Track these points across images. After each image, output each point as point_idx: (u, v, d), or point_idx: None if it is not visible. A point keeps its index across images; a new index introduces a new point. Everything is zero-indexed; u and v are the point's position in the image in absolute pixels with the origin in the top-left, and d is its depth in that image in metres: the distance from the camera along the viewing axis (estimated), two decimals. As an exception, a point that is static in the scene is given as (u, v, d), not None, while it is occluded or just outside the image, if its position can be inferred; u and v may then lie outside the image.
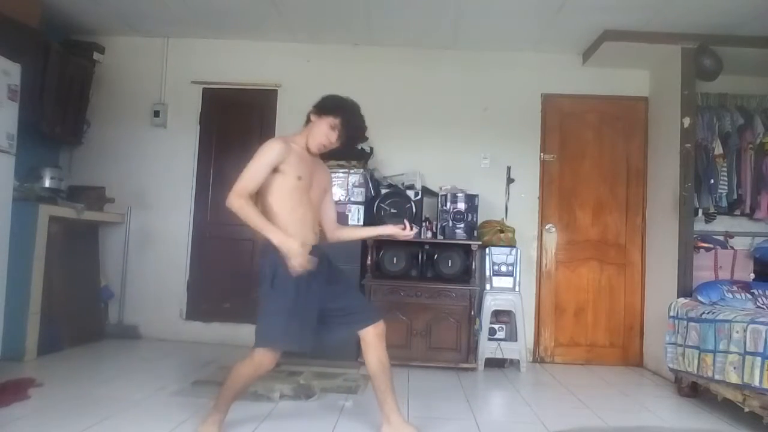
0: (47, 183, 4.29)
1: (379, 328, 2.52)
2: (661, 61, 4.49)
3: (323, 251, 2.53)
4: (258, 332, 2.42)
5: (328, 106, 2.53)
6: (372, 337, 2.50)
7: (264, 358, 2.41)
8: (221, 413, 2.53)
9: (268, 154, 2.42)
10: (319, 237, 2.57)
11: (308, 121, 2.56)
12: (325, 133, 2.48)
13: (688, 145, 4.14)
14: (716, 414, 3.27)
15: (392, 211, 4.35)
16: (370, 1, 4.10)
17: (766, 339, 2.80)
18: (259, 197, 2.46)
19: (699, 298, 3.72)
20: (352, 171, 4.34)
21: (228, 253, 4.91)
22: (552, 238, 4.82)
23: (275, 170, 2.41)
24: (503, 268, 4.40)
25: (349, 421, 2.89)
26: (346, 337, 2.59)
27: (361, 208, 4.29)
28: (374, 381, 2.54)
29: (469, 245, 4.35)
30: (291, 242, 2.29)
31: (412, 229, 2.57)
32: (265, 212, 2.44)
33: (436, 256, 4.40)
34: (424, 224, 4.47)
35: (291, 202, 2.43)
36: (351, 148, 2.55)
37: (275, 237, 2.30)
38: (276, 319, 2.37)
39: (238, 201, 2.33)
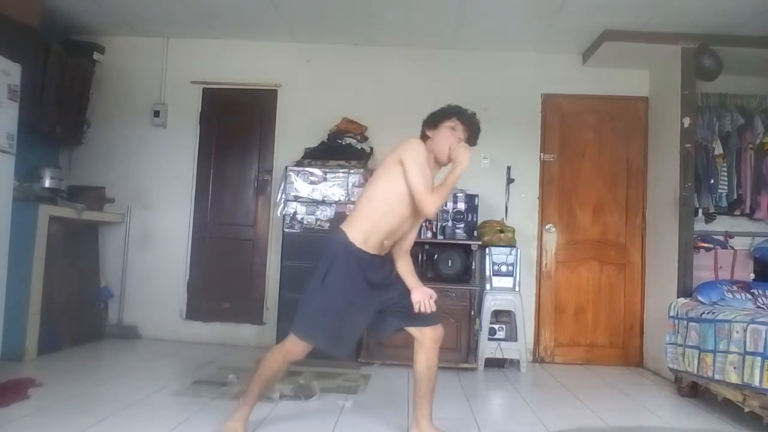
0: (47, 183, 4.29)
1: (438, 332, 2.50)
2: (661, 61, 4.49)
3: (388, 260, 2.52)
4: (299, 319, 2.40)
5: (438, 115, 2.56)
6: (428, 340, 2.47)
7: (295, 346, 2.41)
8: (248, 407, 2.50)
9: (420, 152, 2.40)
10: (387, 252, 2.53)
11: (425, 140, 2.55)
12: (447, 135, 2.49)
13: (688, 145, 4.13)
14: (716, 414, 3.27)
15: (392, 211, 4.34)
16: (370, 1, 4.10)
17: (766, 339, 2.80)
18: (371, 186, 2.47)
19: (699, 298, 3.72)
20: (352, 171, 4.33)
21: (228, 253, 4.92)
22: (552, 238, 4.82)
23: (403, 167, 2.37)
24: (503, 268, 4.40)
25: (349, 421, 2.89)
26: (398, 331, 2.53)
27: (361, 208, 4.27)
28: (417, 383, 2.52)
29: (469, 245, 4.35)
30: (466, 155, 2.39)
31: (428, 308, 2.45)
32: (365, 200, 2.44)
33: (436, 256, 4.40)
34: (424, 224, 4.47)
35: (392, 202, 2.40)
36: (476, 140, 2.57)
37: (457, 171, 2.38)
38: (320, 316, 2.35)
39: (432, 198, 2.34)
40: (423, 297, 2.42)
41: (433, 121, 2.55)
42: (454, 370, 4.15)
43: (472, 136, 2.55)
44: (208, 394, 3.20)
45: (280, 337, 4.20)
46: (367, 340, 4.24)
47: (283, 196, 4.38)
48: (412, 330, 2.49)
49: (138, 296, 4.84)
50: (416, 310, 2.42)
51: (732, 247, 4.39)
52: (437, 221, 4.45)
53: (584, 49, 4.75)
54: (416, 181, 2.33)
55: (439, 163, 2.53)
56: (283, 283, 4.27)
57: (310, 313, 2.38)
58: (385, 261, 2.50)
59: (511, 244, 4.45)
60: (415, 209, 2.42)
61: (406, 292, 2.49)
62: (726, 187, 4.28)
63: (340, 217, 4.24)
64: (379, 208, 2.40)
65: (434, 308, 2.44)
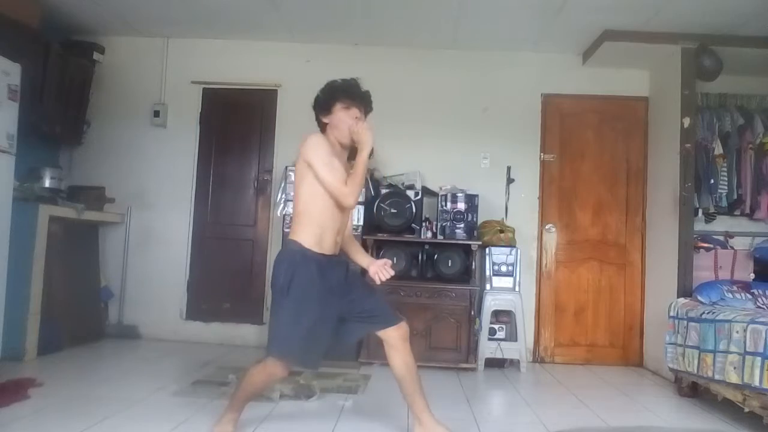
0: (47, 183, 4.29)
1: (402, 329, 2.48)
2: (661, 61, 4.49)
3: (343, 260, 2.52)
4: (271, 341, 2.42)
5: (326, 98, 2.50)
6: (395, 339, 2.45)
7: (276, 368, 2.40)
8: (236, 412, 2.52)
9: (320, 146, 2.38)
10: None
11: (323, 126, 2.53)
12: (343, 118, 2.44)
13: (688, 145, 4.13)
14: (716, 414, 3.27)
15: (392, 211, 4.35)
16: (370, 1, 4.10)
17: (766, 339, 2.80)
18: (299, 194, 2.43)
19: (699, 298, 3.72)
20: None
21: (228, 253, 4.92)
22: (552, 238, 4.82)
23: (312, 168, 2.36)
24: (503, 268, 4.40)
25: (349, 421, 2.89)
26: (363, 338, 2.58)
27: (361, 208, 4.28)
28: (401, 384, 2.51)
29: (469, 245, 4.35)
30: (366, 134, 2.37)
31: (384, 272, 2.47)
32: (300, 206, 2.41)
33: (436, 256, 4.40)
34: (424, 224, 4.47)
35: (323, 202, 2.38)
36: (371, 107, 2.53)
37: (363, 154, 2.37)
38: (289, 331, 2.33)
39: (348, 190, 2.34)
40: (377, 267, 2.45)
41: (324, 105, 2.49)
42: (454, 370, 4.15)
43: (366, 108, 2.51)
44: (207, 394, 3.20)
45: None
46: (367, 340, 4.24)
47: (283, 196, 4.38)
48: (378, 333, 2.48)
49: (138, 296, 4.84)
50: (377, 281, 2.45)
51: (732, 247, 4.39)
52: (437, 221, 4.45)
53: (584, 49, 4.75)
54: (326, 180, 2.33)
55: (344, 147, 2.50)
56: (283, 283, 4.26)
57: (280, 330, 2.37)
58: (340, 261, 2.50)
59: (511, 244, 4.45)
60: None
61: (365, 293, 2.52)
62: (726, 187, 4.28)
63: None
64: (315, 212, 2.38)
65: (391, 273, 2.45)
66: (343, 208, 2.43)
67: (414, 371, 2.50)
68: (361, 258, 2.58)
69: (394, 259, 4.34)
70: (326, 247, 2.40)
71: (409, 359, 2.49)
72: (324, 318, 2.37)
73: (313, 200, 2.38)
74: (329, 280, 2.38)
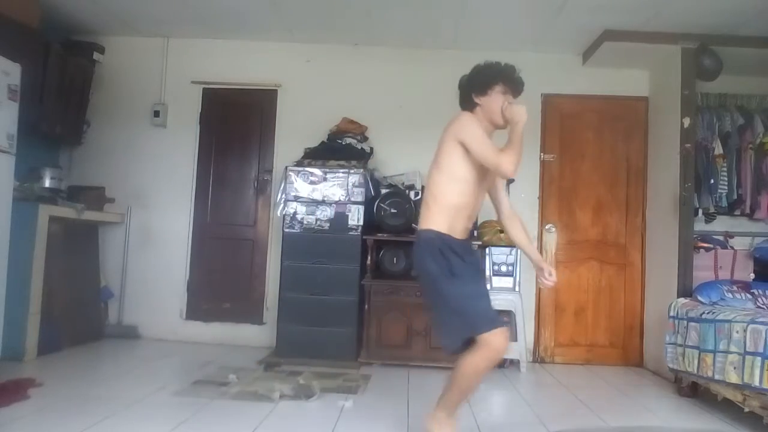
0: (47, 183, 4.29)
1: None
2: (661, 61, 4.49)
3: (475, 248, 2.51)
4: (473, 320, 2.22)
5: (483, 80, 2.45)
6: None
7: (500, 340, 2.20)
8: (453, 417, 2.41)
9: (475, 124, 2.31)
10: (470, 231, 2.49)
11: (472, 105, 2.45)
12: (498, 100, 2.40)
13: (688, 145, 4.13)
14: (716, 414, 3.27)
15: (392, 211, 4.35)
16: (370, 1, 4.10)
17: (766, 339, 2.80)
18: (433, 171, 2.37)
19: (699, 298, 3.72)
20: (352, 171, 4.33)
21: (228, 253, 4.92)
22: (552, 238, 4.82)
23: (464, 147, 2.28)
24: (503, 268, 4.40)
25: (349, 421, 2.89)
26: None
27: (361, 208, 4.28)
28: (453, 374, 2.37)
29: (469, 245, 4.34)
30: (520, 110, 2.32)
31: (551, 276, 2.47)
32: (435, 188, 2.35)
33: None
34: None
35: (459, 187, 2.32)
36: (521, 92, 2.55)
37: (517, 128, 2.31)
38: (480, 301, 2.28)
39: (505, 159, 2.21)
40: (549, 273, 2.46)
41: (482, 86, 2.43)
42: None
43: (517, 92, 2.51)
44: (208, 394, 3.20)
45: (280, 336, 4.24)
46: (367, 340, 4.24)
47: (283, 196, 4.38)
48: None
49: (138, 296, 4.84)
50: (547, 284, 2.45)
51: (732, 247, 4.39)
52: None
53: (584, 49, 4.75)
54: (485, 153, 2.23)
55: (493, 126, 2.43)
56: (283, 283, 4.27)
57: (472, 305, 2.24)
58: (472, 248, 2.50)
59: (511, 244, 4.44)
60: (481, 184, 2.39)
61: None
62: (726, 187, 4.28)
63: (340, 218, 4.25)
64: (455, 197, 2.32)
65: (555, 280, 2.49)
66: (483, 185, 2.39)
67: (473, 374, 2.28)
68: (533, 252, 2.57)
69: (395, 259, 4.36)
70: (457, 233, 2.35)
71: (480, 362, 2.30)
72: (482, 285, 2.42)
73: (454, 186, 2.32)
74: (468, 259, 2.36)
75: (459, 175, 2.31)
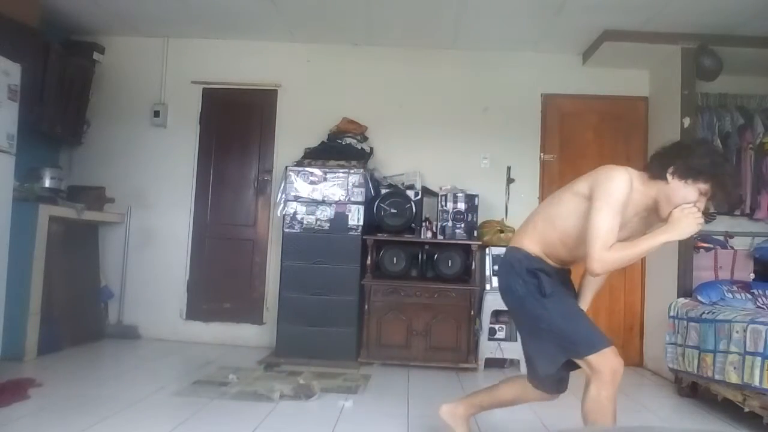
0: (47, 183, 4.29)
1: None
2: (661, 61, 4.48)
3: (569, 279, 2.28)
4: (578, 342, 1.97)
5: (698, 169, 1.92)
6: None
7: (611, 361, 1.93)
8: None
9: (621, 193, 1.91)
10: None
11: (658, 174, 1.99)
12: (690, 195, 1.93)
13: (688, 145, 4.13)
14: (716, 414, 3.27)
15: (392, 211, 4.35)
16: (370, 1, 4.10)
17: (766, 339, 2.80)
18: (554, 206, 2.13)
19: (699, 298, 3.72)
20: (352, 171, 4.33)
21: (228, 253, 4.92)
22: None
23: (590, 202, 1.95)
24: (503, 268, 4.39)
25: (349, 421, 2.89)
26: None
27: (361, 208, 4.28)
28: (497, 384, 2.39)
29: (469, 245, 4.35)
30: (684, 226, 1.90)
31: None
32: (539, 223, 2.13)
33: (436, 256, 4.40)
34: (424, 224, 4.47)
35: (566, 238, 2.05)
36: (723, 201, 2.16)
37: (667, 236, 1.90)
38: (577, 321, 2.02)
39: (608, 257, 1.87)
40: None
41: (686, 171, 1.93)
42: (454, 370, 4.15)
43: (715, 201, 2.18)
44: (208, 394, 3.20)
45: (280, 336, 4.25)
46: (367, 340, 4.24)
47: (283, 196, 4.38)
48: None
49: (138, 296, 4.84)
50: None
51: (732, 247, 4.39)
52: (437, 221, 4.45)
53: (584, 49, 4.75)
54: (596, 227, 1.87)
55: (654, 211, 2.02)
56: (283, 283, 4.27)
57: (572, 326, 2.00)
58: (567, 275, 2.23)
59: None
60: None
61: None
62: (726, 187, 4.27)
63: (340, 217, 4.25)
64: (557, 236, 2.08)
65: None
66: (589, 272, 2.05)
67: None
68: (586, 296, 2.30)
69: (395, 259, 4.36)
70: (551, 260, 2.14)
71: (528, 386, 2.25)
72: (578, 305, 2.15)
73: (563, 226, 2.06)
74: (558, 277, 2.15)
75: (572, 223, 2.03)
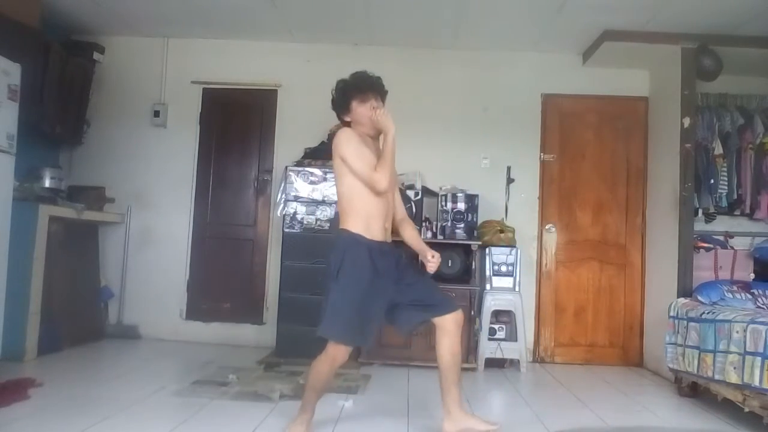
0: (47, 183, 4.29)
1: (459, 316, 2.52)
2: (661, 61, 4.48)
3: (395, 248, 2.57)
4: (324, 323, 2.43)
5: (341, 100, 2.55)
6: (449, 324, 2.48)
7: (337, 351, 2.44)
8: (308, 413, 2.56)
9: (349, 140, 2.44)
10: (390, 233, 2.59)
11: (346, 124, 2.57)
12: (362, 112, 2.50)
13: (688, 145, 4.13)
14: (716, 414, 3.27)
15: (392, 211, 4.35)
16: (370, 1, 4.10)
17: (766, 339, 2.80)
18: (338, 188, 2.51)
19: (699, 298, 3.72)
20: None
21: (228, 253, 4.92)
22: (552, 238, 4.82)
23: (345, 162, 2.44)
24: (503, 268, 4.40)
25: (349, 421, 2.89)
26: (420, 324, 2.56)
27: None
28: (442, 371, 2.51)
29: (469, 245, 4.35)
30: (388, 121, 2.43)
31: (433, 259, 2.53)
32: (343, 201, 2.49)
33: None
34: (424, 224, 4.47)
35: (362, 192, 2.45)
36: (383, 91, 2.58)
37: (388, 138, 2.44)
38: (339, 312, 2.39)
39: (377, 176, 2.39)
40: (428, 258, 2.51)
41: (341, 106, 2.55)
42: (454, 370, 4.14)
43: (381, 94, 2.56)
44: (208, 394, 3.20)
45: (280, 336, 4.25)
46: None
47: (283, 196, 4.38)
48: (434, 319, 2.51)
49: (138, 296, 4.84)
50: (428, 270, 2.52)
51: (732, 247, 4.39)
52: (437, 221, 4.45)
53: (584, 49, 4.75)
54: (356, 169, 2.40)
55: (372, 137, 2.55)
56: (283, 283, 4.27)
57: (332, 312, 2.41)
58: (392, 248, 2.54)
59: (511, 244, 4.44)
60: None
61: (419, 280, 2.56)
62: (726, 187, 4.28)
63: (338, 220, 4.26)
64: (357, 204, 2.46)
65: (438, 260, 2.52)
66: (379, 194, 2.47)
67: (458, 362, 2.53)
68: (416, 243, 2.65)
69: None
70: (375, 234, 2.46)
71: (457, 349, 2.51)
72: (372, 298, 2.41)
73: (352, 193, 2.46)
74: (380, 264, 2.43)
75: (353, 184, 2.44)
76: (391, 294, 2.47)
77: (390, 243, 2.55)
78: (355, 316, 2.39)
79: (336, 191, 2.56)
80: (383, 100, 2.56)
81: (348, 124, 2.55)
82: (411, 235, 2.67)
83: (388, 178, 2.41)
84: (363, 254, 2.41)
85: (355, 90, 2.52)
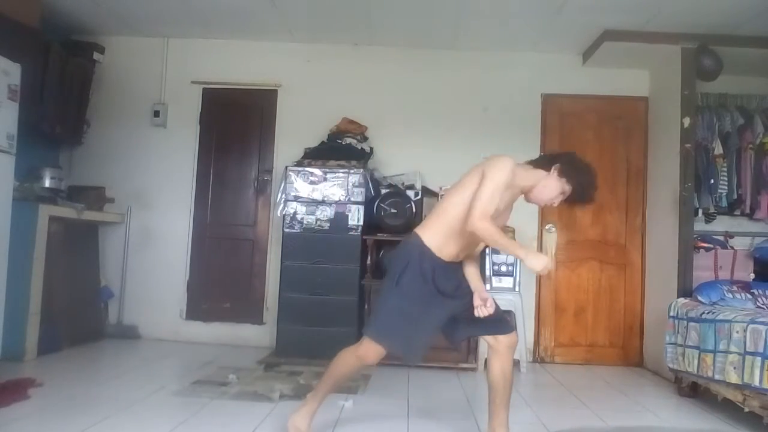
0: (47, 183, 4.29)
1: (512, 338, 2.44)
2: (661, 61, 4.48)
3: (459, 272, 2.48)
4: (372, 322, 2.39)
5: (571, 171, 2.37)
6: (503, 347, 2.42)
7: (369, 350, 2.37)
8: (315, 403, 2.50)
9: (505, 173, 2.27)
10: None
11: (544, 165, 2.41)
12: (554, 195, 2.38)
13: (688, 145, 4.13)
14: (716, 414, 3.27)
15: (392, 211, 4.35)
16: (370, 1, 4.10)
17: (766, 339, 2.80)
18: (452, 195, 2.38)
19: (699, 298, 3.72)
20: (352, 171, 4.33)
21: (228, 253, 4.92)
22: (552, 238, 4.82)
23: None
24: (503, 268, 4.40)
25: (349, 421, 2.89)
26: (472, 336, 2.52)
27: (361, 208, 4.28)
28: (492, 391, 2.45)
29: (469, 245, 4.34)
30: (539, 258, 2.23)
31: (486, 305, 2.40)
32: (442, 211, 2.38)
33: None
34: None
35: (463, 216, 2.30)
36: (579, 203, 2.47)
37: (523, 253, 2.23)
38: (393, 318, 2.33)
39: (482, 224, 2.19)
40: (482, 302, 2.39)
41: (565, 170, 2.36)
42: (454, 370, 4.15)
43: (581, 204, 2.46)
44: (208, 394, 3.20)
45: (280, 336, 4.25)
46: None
47: (283, 196, 4.38)
48: (486, 338, 2.46)
49: (138, 296, 4.84)
50: (477, 313, 2.39)
51: (732, 247, 4.39)
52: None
53: (584, 49, 4.75)
54: (481, 197, 2.22)
55: (524, 195, 2.44)
56: (283, 283, 4.27)
57: (384, 315, 2.36)
58: (456, 270, 2.46)
59: (511, 244, 4.44)
60: (493, 216, 2.33)
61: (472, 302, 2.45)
62: (726, 187, 4.28)
63: (340, 217, 4.26)
64: (453, 221, 2.33)
65: (491, 311, 2.38)
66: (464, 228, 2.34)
67: (509, 383, 2.45)
68: (474, 279, 2.50)
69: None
70: (444, 255, 2.36)
71: (508, 369, 2.43)
72: (429, 315, 2.35)
73: (458, 210, 2.31)
74: (440, 282, 2.35)
75: (468, 204, 2.28)
76: (448, 312, 2.39)
77: (455, 264, 2.45)
78: (411, 326, 2.32)
79: (446, 197, 2.43)
80: (572, 205, 2.47)
81: (537, 169, 2.40)
82: (471, 271, 2.53)
83: (483, 230, 2.21)
84: (428, 269, 2.32)
85: (589, 191, 2.39)
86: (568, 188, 2.36)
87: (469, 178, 2.35)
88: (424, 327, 2.36)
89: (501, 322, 2.45)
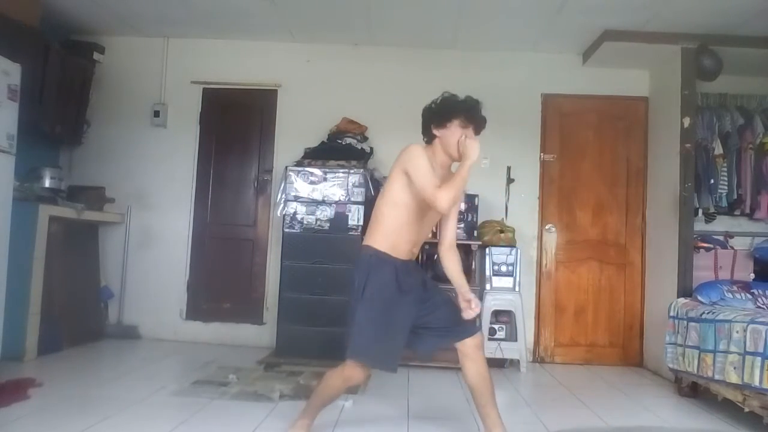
0: (47, 183, 4.28)
1: (477, 339, 2.46)
2: (661, 61, 4.48)
3: (419, 270, 2.52)
4: (352, 346, 2.38)
5: (444, 113, 2.48)
6: (471, 349, 2.43)
7: (354, 371, 2.40)
8: (310, 419, 2.54)
9: (419, 156, 2.34)
10: (416, 255, 2.57)
11: (431, 137, 2.52)
12: (456, 132, 2.44)
13: (688, 145, 4.13)
14: (716, 414, 3.27)
15: (392, 211, 4.34)
16: (370, 1, 4.10)
17: (766, 339, 2.80)
18: (380, 200, 2.45)
19: (699, 298, 3.72)
20: (352, 171, 4.33)
21: (228, 253, 4.92)
22: (552, 238, 4.82)
23: (408, 177, 2.34)
24: (503, 268, 4.40)
25: (349, 421, 2.89)
26: (440, 348, 2.50)
27: (361, 208, 4.28)
28: (474, 394, 2.48)
29: (469, 245, 4.34)
30: (474, 149, 2.35)
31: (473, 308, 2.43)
32: (379, 215, 2.43)
33: (435, 256, 4.38)
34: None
35: (400, 213, 2.39)
36: (482, 129, 2.57)
37: (469, 161, 2.35)
38: (365, 331, 2.35)
39: (442, 195, 2.25)
40: (469, 305, 2.42)
41: (441, 118, 2.47)
42: (453, 370, 4.13)
43: (478, 128, 2.53)
44: (208, 394, 3.20)
45: (280, 336, 4.25)
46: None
47: (283, 196, 4.38)
48: (455, 344, 2.45)
49: (138, 296, 4.84)
50: (464, 315, 2.41)
51: (732, 247, 4.39)
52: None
53: (584, 49, 4.75)
54: (421, 183, 2.28)
55: (450, 158, 2.49)
56: (283, 283, 4.27)
57: (357, 333, 2.37)
58: (416, 267, 2.50)
59: (511, 244, 4.44)
60: (425, 212, 2.41)
61: (441, 302, 2.49)
62: (726, 187, 4.28)
63: (340, 217, 4.26)
64: (393, 221, 2.40)
65: (478, 311, 2.43)
66: (431, 217, 2.44)
67: (489, 381, 2.47)
68: (457, 279, 2.53)
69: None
70: (400, 254, 2.42)
71: (483, 369, 2.45)
72: (399, 319, 2.38)
73: (391, 210, 2.40)
74: (405, 282, 2.39)
75: (398, 202, 2.38)
76: (415, 314, 2.41)
77: (414, 262, 2.50)
78: (382, 334, 2.34)
79: (376, 204, 2.47)
80: (476, 133, 2.51)
81: (431, 138, 2.50)
82: (453, 269, 2.55)
83: (452, 200, 2.28)
84: (389, 272, 2.37)
85: (466, 114, 2.46)
86: (456, 126, 2.44)
87: (390, 180, 2.42)
88: (395, 331, 2.38)
89: (464, 325, 2.45)
